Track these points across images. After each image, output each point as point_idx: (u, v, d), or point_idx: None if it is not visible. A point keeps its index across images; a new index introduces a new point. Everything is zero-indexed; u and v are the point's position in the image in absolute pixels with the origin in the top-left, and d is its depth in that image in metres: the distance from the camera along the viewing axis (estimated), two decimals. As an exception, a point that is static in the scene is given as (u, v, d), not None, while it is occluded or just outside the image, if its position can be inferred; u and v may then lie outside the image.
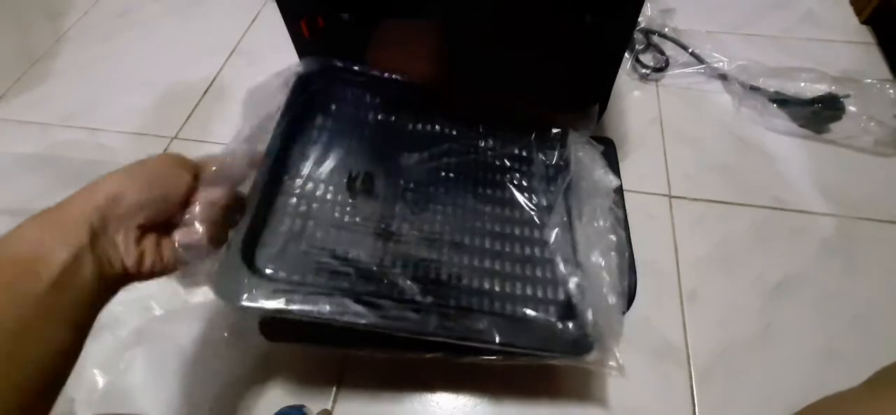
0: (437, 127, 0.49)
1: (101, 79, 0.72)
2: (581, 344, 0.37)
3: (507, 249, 0.42)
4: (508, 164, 0.47)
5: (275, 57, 0.44)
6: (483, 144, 0.48)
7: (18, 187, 0.59)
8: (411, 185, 0.44)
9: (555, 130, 0.49)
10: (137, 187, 0.28)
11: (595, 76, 0.49)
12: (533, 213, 0.44)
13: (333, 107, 0.47)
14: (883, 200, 0.54)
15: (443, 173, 0.45)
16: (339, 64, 0.46)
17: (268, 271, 0.37)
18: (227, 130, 0.63)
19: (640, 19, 0.69)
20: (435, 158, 0.46)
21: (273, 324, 0.41)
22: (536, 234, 0.43)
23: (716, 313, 0.47)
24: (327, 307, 0.35)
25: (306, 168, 0.42)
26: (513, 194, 0.45)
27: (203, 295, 0.48)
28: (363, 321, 0.35)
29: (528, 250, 0.42)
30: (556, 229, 0.42)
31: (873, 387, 0.32)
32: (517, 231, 0.43)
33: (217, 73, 0.71)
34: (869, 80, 0.60)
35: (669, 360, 0.45)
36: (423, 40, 0.48)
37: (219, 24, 0.78)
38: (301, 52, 0.49)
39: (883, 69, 0.67)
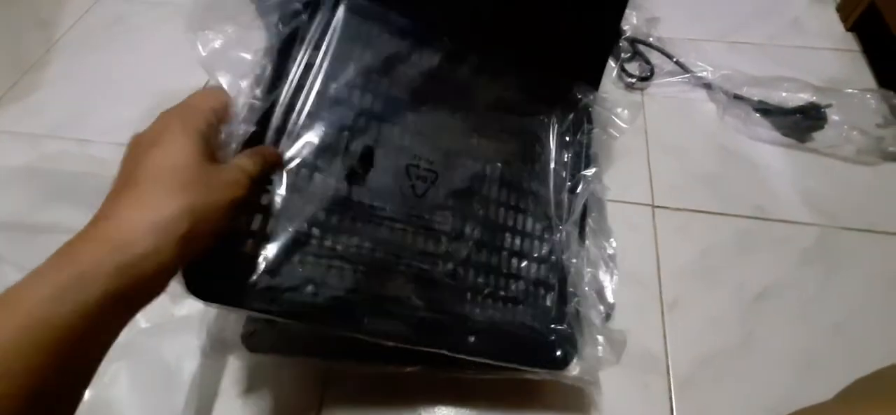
0: (452, 77, 0.41)
1: (93, 88, 0.72)
2: (567, 356, 0.38)
3: (513, 247, 0.41)
4: (526, 144, 0.43)
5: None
6: (502, 116, 0.43)
7: (7, 200, 0.60)
8: (415, 161, 0.38)
9: (572, 116, 0.45)
10: (213, 224, 0.27)
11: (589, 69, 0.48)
12: (548, 211, 0.42)
13: (331, 50, 0.37)
14: (864, 209, 0.55)
15: (452, 146, 0.40)
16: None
17: (255, 267, 0.32)
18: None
19: (625, 27, 0.70)
20: (447, 124, 0.40)
21: (255, 336, 0.42)
22: (545, 235, 0.42)
23: (697, 322, 0.48)
24: (309, 313, 0.33)
25: (297, 138, 0.35)
26: (527, 184, 0.42)
27: (188, 308, 0.48)
28: (347, 330, 0.34)
29: (531, 251, 0.41)
30: (566, 236, 0.41)
31: (846, 401, 0.33)
32: (524, 229, 0.42)
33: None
34: (850, 90, 0.60)
35: (649, 370, 0.45)
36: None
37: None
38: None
39: (868, 76, 0.68)
